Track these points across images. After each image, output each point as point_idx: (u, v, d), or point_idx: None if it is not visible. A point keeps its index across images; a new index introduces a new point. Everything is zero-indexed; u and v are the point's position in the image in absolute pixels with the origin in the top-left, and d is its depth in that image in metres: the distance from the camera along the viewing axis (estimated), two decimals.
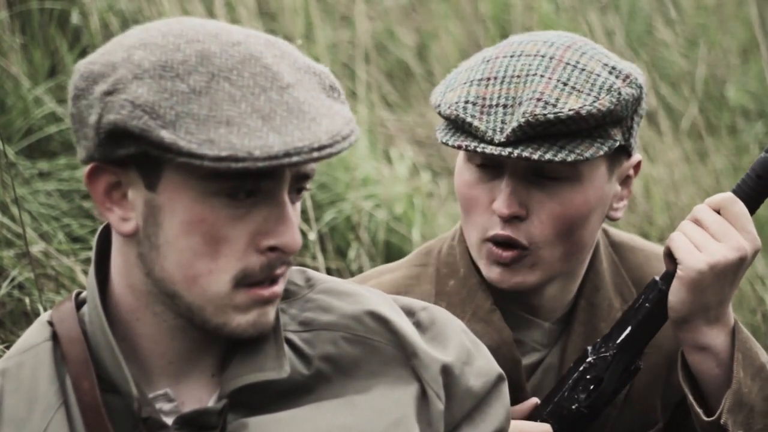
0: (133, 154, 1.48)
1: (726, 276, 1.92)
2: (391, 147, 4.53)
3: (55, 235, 3.35)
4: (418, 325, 1.71)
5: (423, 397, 1.66)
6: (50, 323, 1.61)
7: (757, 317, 3.71)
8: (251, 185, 1.49)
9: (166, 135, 1.44)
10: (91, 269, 1.59)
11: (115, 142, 1.49)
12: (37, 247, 3.20)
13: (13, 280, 3.13)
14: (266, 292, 1.53)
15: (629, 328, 2.01)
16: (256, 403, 1.59)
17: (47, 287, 3.15)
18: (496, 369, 1.74)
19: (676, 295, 1.94)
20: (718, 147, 4.80)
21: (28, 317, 3.11)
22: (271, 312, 1.56)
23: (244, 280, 1.52)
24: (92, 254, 1.60)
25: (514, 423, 1.94)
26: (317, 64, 1.58)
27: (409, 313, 1.72)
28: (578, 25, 5.11)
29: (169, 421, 1.57)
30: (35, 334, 1.62)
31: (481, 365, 1.72)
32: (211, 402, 1.59)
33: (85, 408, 1.54)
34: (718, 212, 1.94)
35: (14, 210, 3.19)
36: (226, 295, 1.52)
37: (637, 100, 2.00)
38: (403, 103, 4.90)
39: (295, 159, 1.44)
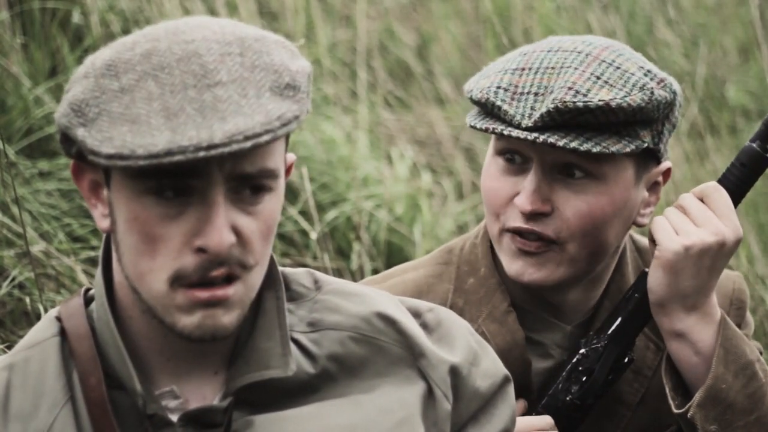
0: (79, 152, 1.51)
1: (702, 260, 1.93)
2: (391, 147, 4.52)
3: (55, 234, 3.35)
4: (425, 326, 1.71)
5: (429, 397, 1.66)
6: (58, 319, 1.62)
7: (757, 317, 3.71)
8: (176, 184, 1.48)
9: (80, 132, 1.47)
10: (99, 266, 1.60)
11: (65, 140, 1.53)
12: (37, 247, 3.20)
13: (13, 279, 3.13)
14: (203, 294, 1.50)
15: (619, 319, 2.03)
16: (261, 401, 1.59)
17: (48, 287, 3.15)
18: (502, 370, 1.74)
19: (653, 276, 1.96)
20: (719, 147, 4.80)
21: (28, 317, 3.11)
22: (221, 315, 1.52)
23: (179, 281, 1.50)
24: (100, 252, 1.61)
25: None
26: (294, 62, 1.55)
27: (416, 314, 1.72)
28: (579, 24, 5.11)
29: (174, 418, 1.57)
30: (43, 329, 1.62)
31: (488, 366, 1.73)
32: (216, 400, 1.59)
33: (91, 404, 1.55)
34: (702, 201, 1.97)
35: (15, 210, 3.19)
36: (165, 294, 1.50)
37: (670, 105, 2.00)
38: (404, 103, 4.90)
39: (177, 158, 1.42)
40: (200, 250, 1.49)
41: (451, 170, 4.58)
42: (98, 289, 1.59)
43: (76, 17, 3.94)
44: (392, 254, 3.99)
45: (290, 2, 4.76)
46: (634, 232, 2.21)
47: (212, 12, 4.27)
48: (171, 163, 1.42)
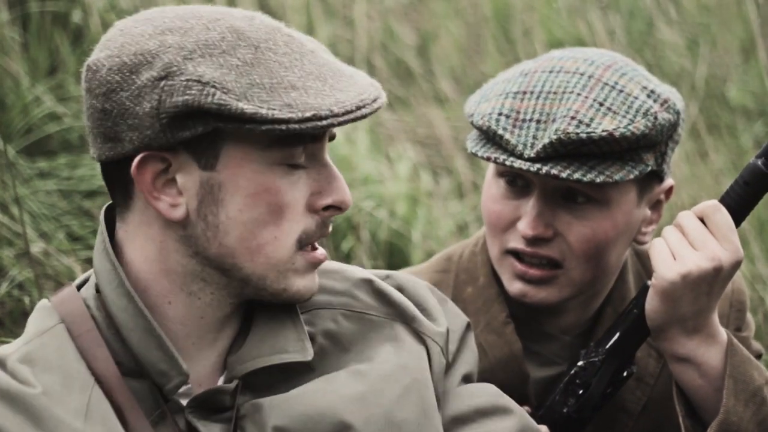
0: (197, 135, 1.51)
1: (700, 286, 1.86)
2: (391, 147, 4.52)
3: (54, 234, 3.35)
4: None
5: (428, 354, 1.68)
6: (54, 308, 1.62)
7: (758, 317, 3.70)
8: (305, 150, 1.55)
9: (247, 106, 1.48)
10: (102, 257, 1.59)
11: (180, 125, 1.51)
12: (37, 247, 3.20)
13: (13, 279, 3.12)
14: (321, 256, 1.60)
15: (617, 334, 1.98)
16: (262, 384, 1.60)
17: (47, 287, 3.14)
18: (463, 319, 1.76)
19: (650, 303, 1.90)
20: (719, 146, 4.79)
21: (27, 317, 3.10)
22: (317, 277, 1.62)
23: (304, 241, 1.57)
24: (104, 244, 1.59)
25: None
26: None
27: None
28: (579, 24, 5.11)
29: (184, 402, 1.58)
30: (44, 318, 1.62)
31: (452, 318, 1.75)
32: (219, 383, 1.60)
33: (108, 389, 1.55)
34: (703, 220, 1.89)
35: (14, 209, 3.19)
36: (288, 259, 1.57)
37: (674, 126, 1.98)
38: (404, 103, 4.89)
39: (365, 110, 1.53)
40: (328, 208, 1.58)
41: (451, 170, 4.57)
42: (107, 276, 1.58)
43: (75, 17, 3.94)
44: (392, 254, 3.99)
45: (290, 1, 4.76)
46: None
47: None
48: (358, 117, 1.52)
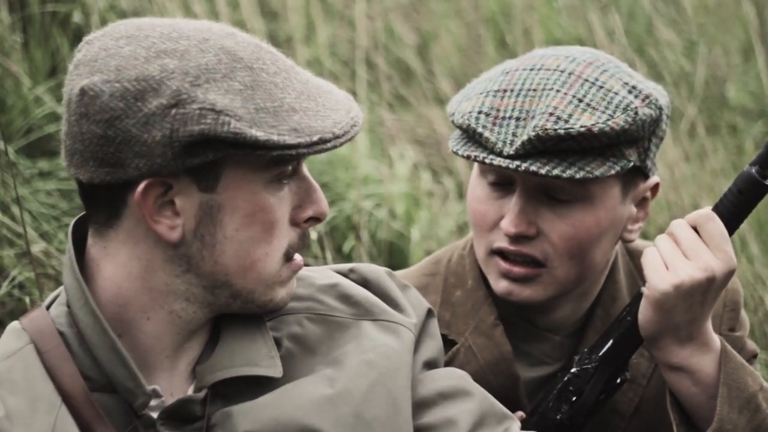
0: (207, 162, 1.50)
1: (693, 296, 1.84)
2: (391, 146, 4.53)
3: (55, 234, 3.35)
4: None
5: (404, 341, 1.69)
6: (24, 330, 1.61)
7: (757, 317, 3.70)
8: (294, 166, 1.57)
9: (259, 133, 1.49)
10: (71, 274, 1.59)
11: (191, 152, 1.50)
12: (37, 247, 3.20)
13: (13, 279, 3.13)
14: (300, 262, 1.62)
15: (611, 341, 1.97)
16: (232, 393, 1.60)
17: (47, 287, 3.15)
18: (425, 305, 1.76)
19: (643, 313, 1.89)
20: (718, 147, 4.80)
21: None
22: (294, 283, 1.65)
23: (290, 255, 1.60)
24: (71, 261, 1.59)
25: None
26: None
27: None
28: (579, 24, 5.11)
29: (156, 416, 1.58)
30: (12, 340, 1.61)
31: (415, 305, 1.75)
32: (189, 392, 1.60)
33: (75, 406, 1.55)
34: (696, 229, 1.87)
35: (15, 209, 3.19)
36: (276, 273, 1.59)
37: (656, 122, 1.97)
38: (404, 103, 4.90)
39: (357, 128, 1.56)
40: (310, 220, 1.60)
41: (451, 170, 4.57)
42: (75, 293, 1.58)
43: (76, 17, 3.94)
44: (392, 254, 3.99)
45: (291, 2, 4.76)
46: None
47: (214, 11, 4.28)
48: (353, 136, 1.55)
